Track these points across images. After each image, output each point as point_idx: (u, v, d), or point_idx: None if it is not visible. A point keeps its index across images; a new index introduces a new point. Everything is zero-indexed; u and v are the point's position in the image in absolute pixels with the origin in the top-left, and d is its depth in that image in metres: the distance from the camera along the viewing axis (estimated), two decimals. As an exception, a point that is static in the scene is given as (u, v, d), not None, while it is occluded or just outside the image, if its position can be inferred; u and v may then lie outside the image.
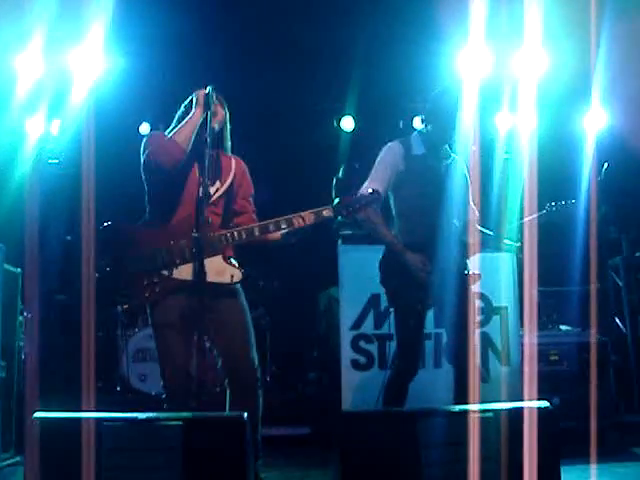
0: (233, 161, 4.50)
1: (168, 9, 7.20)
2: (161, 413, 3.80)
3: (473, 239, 4.85)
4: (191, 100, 4.33)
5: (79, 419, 3.46)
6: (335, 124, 9.37)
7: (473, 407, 3.68)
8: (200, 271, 3.90)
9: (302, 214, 4.21)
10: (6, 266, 5.81)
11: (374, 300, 6.02)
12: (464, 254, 4.81)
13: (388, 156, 4.76)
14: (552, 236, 5.13)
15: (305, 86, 8.51)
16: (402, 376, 4.73)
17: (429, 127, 4.81)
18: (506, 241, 5.00)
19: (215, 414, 3.93)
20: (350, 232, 6.15)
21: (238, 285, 4.31)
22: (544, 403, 3.61)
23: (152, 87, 8.37)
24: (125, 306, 7.60)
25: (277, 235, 4.30)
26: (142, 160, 4.29)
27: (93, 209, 5.93)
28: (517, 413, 3.53)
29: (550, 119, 8.12)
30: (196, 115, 4.23)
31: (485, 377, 6.04)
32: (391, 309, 4.87)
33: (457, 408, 3.71)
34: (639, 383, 6.92)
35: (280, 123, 9.04)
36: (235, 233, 4.22)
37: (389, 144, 4.83)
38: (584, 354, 6.37)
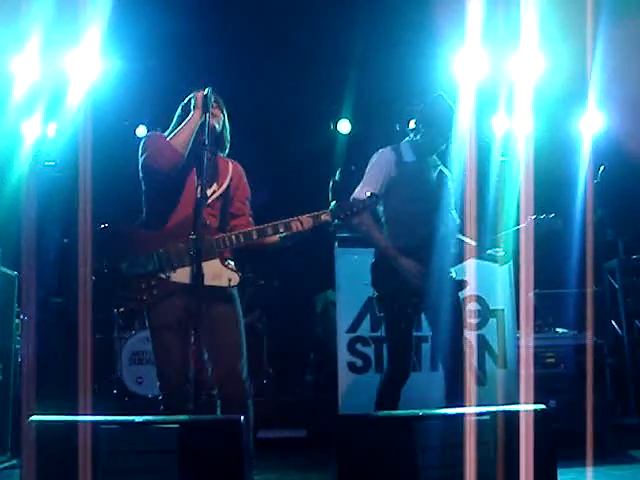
0: (230, 164, 4.49)
1: (165, 11, 7.20)
2: (158, 416, 3.79)
3: (455, 249, 4.86)
4: (189, 101, 4.33)
5: (76, 422, 3.45)
6: (332, 127, 9.39)
7: (470, 410, 3.68)
8: (198, 273, 3.89)
9: (300, 218, 4.19)
10: (3, 269, 5.81)
11: (371, 303, 6.02)
12: (452, 263, 4.84)
13: (381, 161, 4.83)
14: (548, 239, 5.13)
15: (302, 89, 8.52)
16: (394, 380, 4.76)
17: (419, 136, 4.88)
18: (498, 250, 5.01)
19: (212, 417, 3.93)
20: (347, 235, 6.15)
21: (235, 289, 4.30)
22: (540, 406, 3.62)
23: (149, 89, 8.37)
24: (121, 309, 7.65)
25: (275, 238, 4.28)
26: (140, 162, 4.29)
27: (90, 211, 5.92)
28: (514, 416, 3.53)
29: (546, 122, 8.13)
30: (195, 117, 4.21)
31: (482, 380, 6.06)
32: (381, 313, 4.90)
33: (454, 411, 3.71)
34: (635, 386, 6.92)
35: (277, 126, 9.05)
36: (233, 237, 4.21)
37: (381, 150, 4.90)
38: (580, 357, 6.38)
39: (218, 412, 4.26)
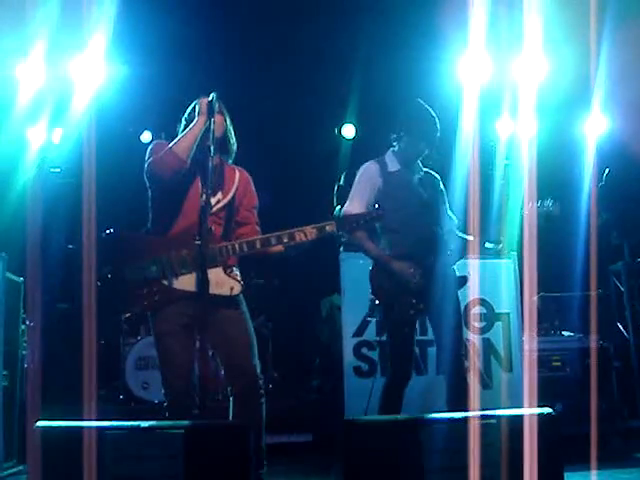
0: (237, 172, 4.48)
1: (169, 17, 7.22)
2: (163, 421, 3.80)
3: (454, 246, 4.93)
4: (194, 108, 4.33)
5: (81, 428, 3.46)
6: (336, 132, 9.40)
7: (475, 414, 3.67)
8: (203, 279, 3.89)
9: (304, 229, 4.15)
10: (8, 275, 5.82)
11: (375, 307, 6.02)
12: (451, 262, 4.90)
13: (366, 175, 4.93)
14: (554, 241, 5.14)
15: (306, 94, 8.53)
16: (397, 383, 4.80)
17: (401, 145, 4.94)
18: (500, 245, 5.06)
19: (217, 422, 3.93)
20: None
21: (239, 297, 4.30)
22: (546, 409, 3.61)
23: (153, 95, 8.38)
24: (127, 314, 7.66)
25: (279, 247, 4.27)
26: (144, 169, 4.30)
27: (94, 218, 5.93)
28: (519, 419, 3.52)
29: (550, 125, 8.13)
30: (198, 124, 4.21)
31: (487, 383, 6.05)
32: (376, 318, 4.94)
33: (459, 415, 3.70)
34: (642, 389, 6.91)
35: (281, 130, 9.05)
36: (236, 245, 4.20)
37: (365, 164, 4.99)
38: (586, 360, 6.37)
39: (230, 412, 4.27)
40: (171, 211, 4.29)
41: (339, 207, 4.32)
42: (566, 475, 3.56)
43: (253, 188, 4.54)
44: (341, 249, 6.22)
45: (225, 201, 4.37)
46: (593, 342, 6.44)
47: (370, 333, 6.12)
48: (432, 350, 5.74)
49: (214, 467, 3.38)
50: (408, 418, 3.82)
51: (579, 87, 7.33)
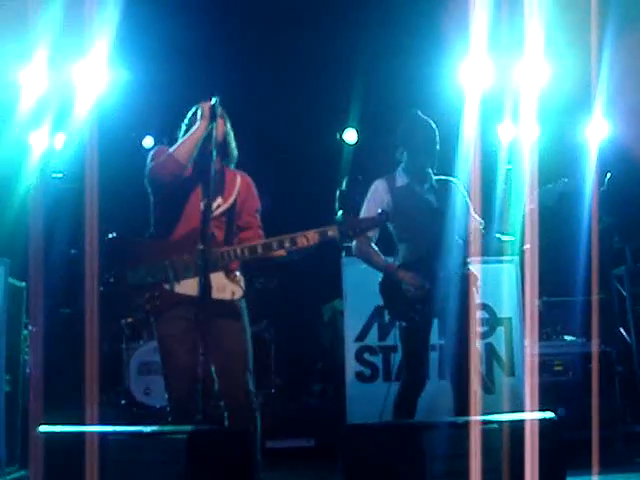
0: (238, 177, 4.48)
1: (171, 23, 7.23)
2: (165, 427, 3.80)
3: (474, 243, 5.00)
4: (194, 113, 4.33)
5: (83, 433, 3.46)
6: (338, 137, 9.40)
7: (477, 419, 3.67)
8: (205, 284, 3.89)
9: (306, 234, 4.16)
10: (11, 280, 5.83)
11: (378, 312, 6.04)
12: (466, 264, 4.95)
13: (375, 193, 5.07)
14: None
15: (308, 99, 8.53)
16: (411, 390, 4.85)
17: (405, 159, 5.04)
18: (505, 237, 5.10)
19: (219, 428, 3.93)
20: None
21: (241, 302, 4.30)
22: (549, 414, 3.61)
23: (156, 100, 8.38)
24: (129, 319, 7.67)
25: (281, 252, 4.25)
26: (145, 174, 4.31)
27: (97, 223, 5.94)
28: (522, 424, 3.52)
29: (552, 130, 8.13)
30: (200, 128, 4.20)
31: (490, 388, 6.05)
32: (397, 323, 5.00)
33: (461, 420, 3.71)
34: (644, 393, 6.90)
35: (283, 136, 9.05)
36: (238, 250, 4.20)
37: (374, 182, 5.12)
38: (589, 364, 6.36)
39: (226, 423, 4.26)
40: (172, 216, 4.29)
41: (341, 212, 4.32)
42: (568, 479, 3.56)
43: (255, 192, 4.54)
44: (343, 254, 6.22)
45: (226, 206, 4.37)
46: (595, 347, 6.44)
47: (372, 338, 6.12)
48: (434, 355, 5.75)
49: (216, 472, 3.38)
50: (410, 423, 3.83)
51: (581, 92, 7.34)
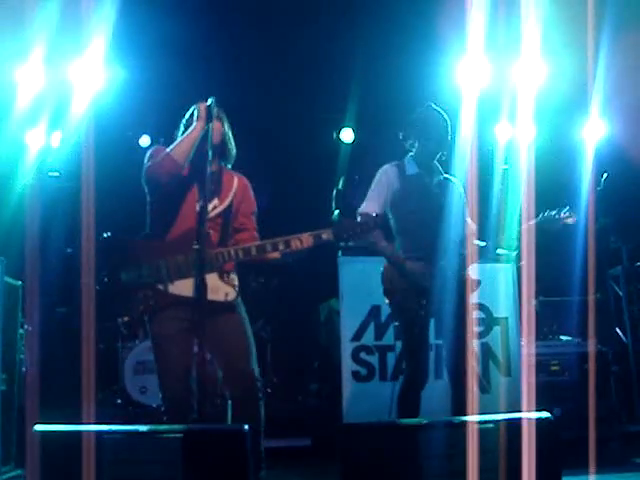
0: (235, 178, 4.49)
1: (168, 21, 7.21)
2: (161, 425, 3.80)
3: (469, 251, 4.97)
4: (192, 113, 4.33)
5: (79, 432, 3.45)
6: (335, 136, 9.39)
7: (473, 418, 3.67)
8: (201, 283, 3.88)
9: (301, 236, 4.15)
10: (7, 279, 5.81)
11: (375, 311, 6.04)
12: (463, 266, 4.92)
13: (383, 177, 4.98)
14: (552, 246, 5.15)
15: (305, 98, 8.53)
16: (413, 386, 4.82)
17: (416, 149, 5.01)
18: (501, 251, 5.07)
19: (215, 426, 3.93)
20: (350, 243, 6.15)
21: (235, 301, 4.29)
22: (545, 413, 3.61)
23: (152, 99, 8.38)
24: (125, 318, 7.66)
25: (276, 254, 4.26)
26: (142, 174, 4.31)
27: (93, 222, 5.92)
28: (518, 424, 3.53)
29: (549, 129, 8.14)
30: (196, 129, 4.21)
31: (486, 388, 6.05)
32: (396, 322, 4.96)
33: (458, 419, 3.71)
34: (640, 393, 6.91)
35: (280, 135, 9.05)
36: (232, 251, 4.20)
37: (384, 166, 5.05)
38: (585, 364, 6.37)
39: (228, 416, 4.26)
40: (168, 216, 4.30)
41: (337, 211, 4.31)
42: (564, 479, 3.56)
43: (252, 194, 4.54)
44: (340, 253, 6.22)
45: (222, 207, 4.37)
46: (591, 346, 6.44)
47: (368, 338, 6.12)
48: (431, 355, 5.75)
49: (212, 471, 3.38)
50: (406, 422, 3.83)
51: (577, 92, 7.34)
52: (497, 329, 6.20)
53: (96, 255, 4.39)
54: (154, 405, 7.24)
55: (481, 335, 6.13)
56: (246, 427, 3.46)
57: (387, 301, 4.98)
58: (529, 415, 3.63)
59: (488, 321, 6.18)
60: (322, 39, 7.73)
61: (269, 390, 7.93)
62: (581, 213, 7.16)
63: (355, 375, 6.08)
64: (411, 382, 4.84)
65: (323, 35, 7.71)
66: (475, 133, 5.79)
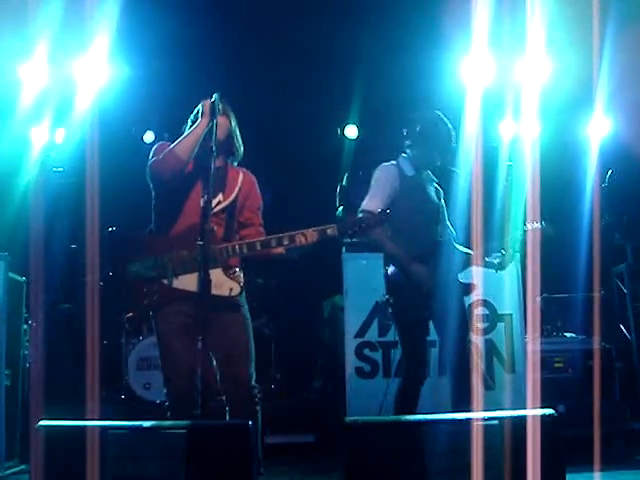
0: (241, 174, 4.49)
1: (172, 18, 7.22)
2: (165, 421, 3.80)
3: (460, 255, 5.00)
4: (198, 110, 4.33)
5: (84, 427, 3.46)
6: (339, 132, 9.39)
7: (478, 415, 3.67)
8: (205, 280, 3.88)
9: (305, 232, 4.14)
10: (11, 275, 5.83)
11: (379, 308, 6.03)
12: (461, 265, 4.97)
13: (386, 174, 4.96)
14: (556, 244, 5.15)
15: (309, 94, 8.52)
16: (413, 384, 4.83)
17: (414, 152, 5.01)
18: (488, 258, 5.07)
19: (219, 422, 3.93)
20: (354, 240, 6.15)
21: (240, 297, 4.29)
22: (549, 410, 3.61)
23: (156, 95, 8.38)
24: (129, 314, 7.67)
25: (280, 249, 4.26)
26: (146, 170, 4.32)
27: (97, 218, 5.94)
28: (522, 421, 3.52)
29: (553, 126, 8.12)
30: (201, 125, 4.22)
31: (490, 384, 6.05)
32: (392, 321, 4.98)
33: (462, 416, 3.70)
34: (644, 390, 6.90)
35: (284, 131, 9.05)
36: (236, 247, 4.20)
37: (384, 164, 5.03)
38: (589, 361, 6.36)
39: (227, 418, 4.26)
40: (173, 211, 4.31)
41: (342, 207, 4.32)
42: (568, 477, 3.55)
43: (257, 190, 4.55)
44: (344, 250, 6.22)
45: (226, 202, 4.37)
46: (596, 343, 6.43)
47: (372, 334, 6.12)
48: (434, 351, 5.75)
49: (216, 467, 3.38)
50: (410, 419, 3.82)
51: (582, 89, 7.32)
52: (501, 326, 6.19)
53: (101, 249, 4.40)
54: (158, 401, 7.24)
55: (485, 332, 6.13)
56: (249, 423, 3.46)
57: (390, 300, 4.95)
58: (533, 412, 3.62)
59: (492, 318, 6.18)
60: (326, 36, 7.73)
61: (272, 387, 7.94)
62: (585, 210, 7.16)
63: (359, 371, 6.09)
64: (410, 382, 4.85)
65: (327, 32, 7.70)
66: (480, 130, 5.79)
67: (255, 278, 8.10)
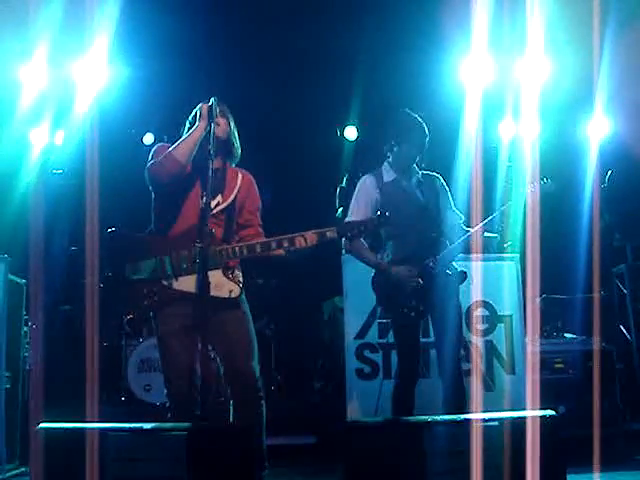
0: (239, 175, 4.49)
1: (171, 19, 7.22)
2: (166, 423, 3.80)
3: (458, 239, 5.03)
4: (196, 114, 4.34)
5: (84, 430, 3.46)
6: (338, 133, 9.39)
7: (478, 416, 3.67)
8: (204, 281, 3.89)
9: (305, 234, 4.15)
10: (11, 277, 5.82)
11: (378, 309, 6.01)
12: (454, 252, 5.03)
13: (362, 190, 5.10)
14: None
15: (308, 95, 8.52)
16: (405, 384, 4.89)
17: (394, 154, 5.10)
18: (491, 234, 5.12)
19: (220, 424, 3.93)
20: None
21: (240, 298, 4.30)
22: (549, 411, 3.61)
23: (156, 97, 8.38)
24: (129, 316, 7.67)
25: (280, 251, 4.26)
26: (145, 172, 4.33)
27: (97, 219, 5.94)
28: (522, 422, 3.52)
29: (553, 127, 8.12)
30: (199, 128, 4.22)
31: (490, 386, 6.03)
32: (388, 320, 5.03)
33: (461, 417, 3.70)
34: (645, 391, 6.89)
35: (283, 132, 9.05)
36: (236, 248, 4.21)
37: (362, 178, 5.17)
38: (589, 362, 6.35)
39: (230, 414, 4.26)
40: (172, 213, 4.31)
41: (341, 209, 4.33)
42: (568, 477, 3.56)
43: (256, 191, 4.55)
44: (344, 251, 6.21)
45: (225, 204, 4.38)
46: (596, 344, 6.42)
47: (372, 335, 6.11)
48: (434, 352, 5.75)
49: (217, 469, 3.38)
50: (410, 420, 3.82)
51: (582, 89, 7.33)
52: (501, 327, 6.17)
53: (100, 250, 4.40)
54: (158, 403, 7.24)
55: (485, 333, 6.11)
56: (251, 425, 3.46)
57: (380, 306, 5.15)
58: (533, 413, 3.62)
59: (492, 319, 6.17)
60: (325, 36, 7.73)
61: (273, 388, 7.94)
62: (585, 210, 7.16)
63: (359, 373, 6.07)
64: (404, 381, 4.91)
65: (327, 33, 7.71)
66: (479, 130, 5.79)
67: (255, 279, 8.10)
